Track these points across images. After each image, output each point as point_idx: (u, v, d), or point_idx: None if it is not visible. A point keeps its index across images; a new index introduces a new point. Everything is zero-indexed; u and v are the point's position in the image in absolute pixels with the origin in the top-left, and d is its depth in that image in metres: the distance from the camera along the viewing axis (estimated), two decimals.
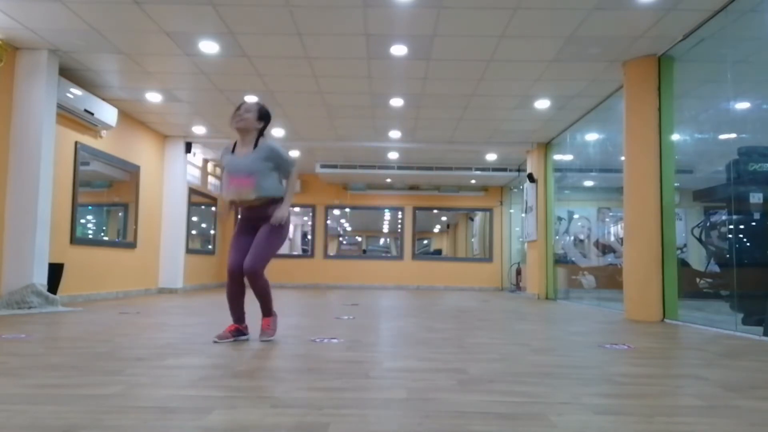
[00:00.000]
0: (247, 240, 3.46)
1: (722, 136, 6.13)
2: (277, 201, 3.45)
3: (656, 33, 5.04)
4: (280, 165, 3.47)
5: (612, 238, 8.71)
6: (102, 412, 1.80)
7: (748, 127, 5.59)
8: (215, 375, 2.41)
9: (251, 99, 3.55)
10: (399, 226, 13.18)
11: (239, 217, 3.54)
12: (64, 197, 6.61)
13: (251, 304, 4.45)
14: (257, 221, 3.48)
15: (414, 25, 5.02)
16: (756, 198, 4.87)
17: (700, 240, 6.18)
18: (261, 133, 3.50)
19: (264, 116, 3.49)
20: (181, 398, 2.00)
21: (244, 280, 3.42)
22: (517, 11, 4.71)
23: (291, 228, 16.89)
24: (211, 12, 4.81)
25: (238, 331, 3.50)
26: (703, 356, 3.20)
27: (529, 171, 9.62)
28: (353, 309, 6.25)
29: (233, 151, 3.49)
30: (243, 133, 3.44)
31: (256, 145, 3.44)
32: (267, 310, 3.57)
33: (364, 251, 18.58)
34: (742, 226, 5.03)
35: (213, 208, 11.78)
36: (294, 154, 10.55)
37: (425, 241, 19.51)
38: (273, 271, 12.76)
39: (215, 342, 3.38)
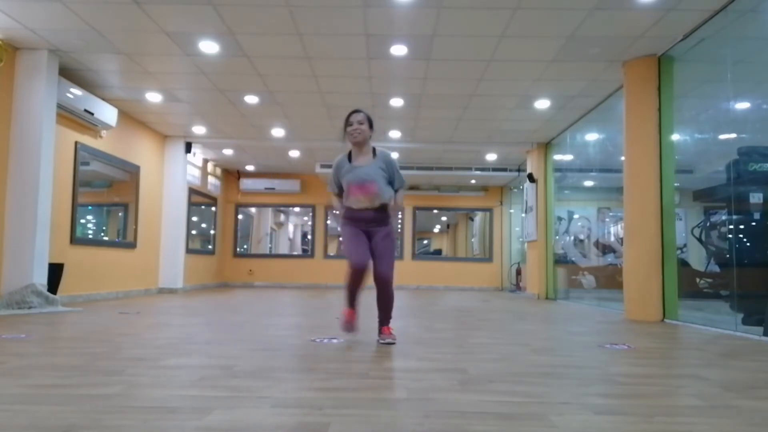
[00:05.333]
0: (364, 239, 3.49)
1: (722, 136, 6.13)
2: (386, 207, 3.54)
3: (656, 33, 5.04)
4: (392, 176, 3.57)
5: (612, 238, 8.71)
6: (102, 412, 1.80)
7: (748, 127, 5.59)
8: (215, 375, 2.41)
9: (357, 110, 3.60)
10: (399, 226, 13.18)
11: (348, 219, 3.54)
12: (64, 197, 6.61)
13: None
14: (372, 225, 3.52)
15: (414, 25, 5.02)
16: (756, 198, 4.87)
17: (700, 240, 6.19)
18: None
19: (372, 124, 3.58)
20: (181, 398, 2.00)
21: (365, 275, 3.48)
22: (517, 11, 4.71)
23: (291, 228, 16.89)
24: (211, 12, 4.81)
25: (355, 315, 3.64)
26: (703, 356, 3.20)
27: (529, 171, 9.62)
28: None
29: (350, 161, 3.54)
30: (360, 145, 3.52)
31: (374, 153, 3.55)
32: (389, 318, 3.61)
33: None
34: (742, 226, 5.03)
35: (213, 208, 11.78)
36: (294, 154, 10.56)
37: (425, 241, 19.51)
38: (273, 271, 12.78)
39: (346, 332, 3.63)
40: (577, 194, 9.51)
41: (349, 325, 3.61)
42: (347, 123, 3.51)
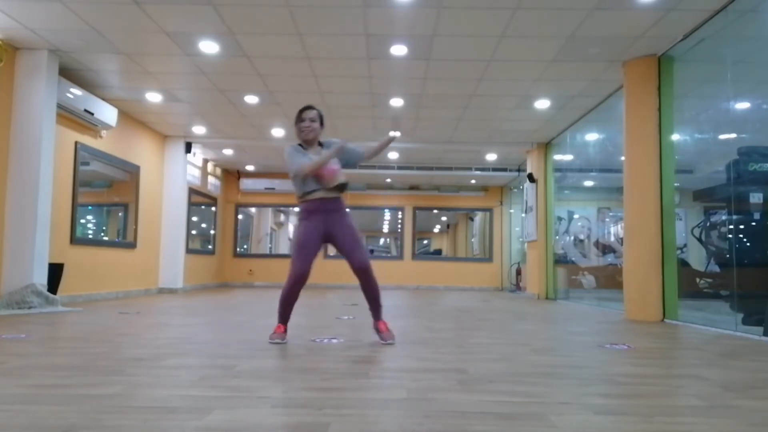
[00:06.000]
0: (316, 246, 3.47)
1: (722, 136, 6.13)
2: (344, 188, 3.55)
3: (656, 33, 5.04)
4: (348, 158, 3.65)
5: (612, 238, 8.71)
6: (102, 412, 1.80)
7: (748, 127, 5.59)
8: (215, 375, 2.41)
9: (309, 106, 3.71)
10: (399, 226, 13.18)
11: (309, 215, 3.47)
12: (64, 197, 6.61)
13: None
14: (334, 215, 3.49)
15: (414, 25, 5.02)
16: (756, 198, 4.87)
17: (700, 240, 6.19)
18: None
19: (323, 122, 3.67)
20: (181, 398, 1.99)
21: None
22: (517, 11, 4.71)
23: (291, 228, 16.87)
24: (211, 12, 4.81)
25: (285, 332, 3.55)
26: (703, 356, 3.20)
27: (529, 171, 9.62)
28: (353, 309, 6.25)
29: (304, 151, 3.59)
30: (310, 142, 3.60)
31: (320, 144, 3.67)
32: (380, 307, 3.56)
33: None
34: (742, 226, 5.03)
35: (213, 208, 11.78)
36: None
37: (425, 241, 19.51)
38: (273, 272, 12.77)
39: (274, 343, 3.41)
40: (577, 194, 9.51)
41: (281, 340, 3.46)
42: (299, 119, 3.56)
